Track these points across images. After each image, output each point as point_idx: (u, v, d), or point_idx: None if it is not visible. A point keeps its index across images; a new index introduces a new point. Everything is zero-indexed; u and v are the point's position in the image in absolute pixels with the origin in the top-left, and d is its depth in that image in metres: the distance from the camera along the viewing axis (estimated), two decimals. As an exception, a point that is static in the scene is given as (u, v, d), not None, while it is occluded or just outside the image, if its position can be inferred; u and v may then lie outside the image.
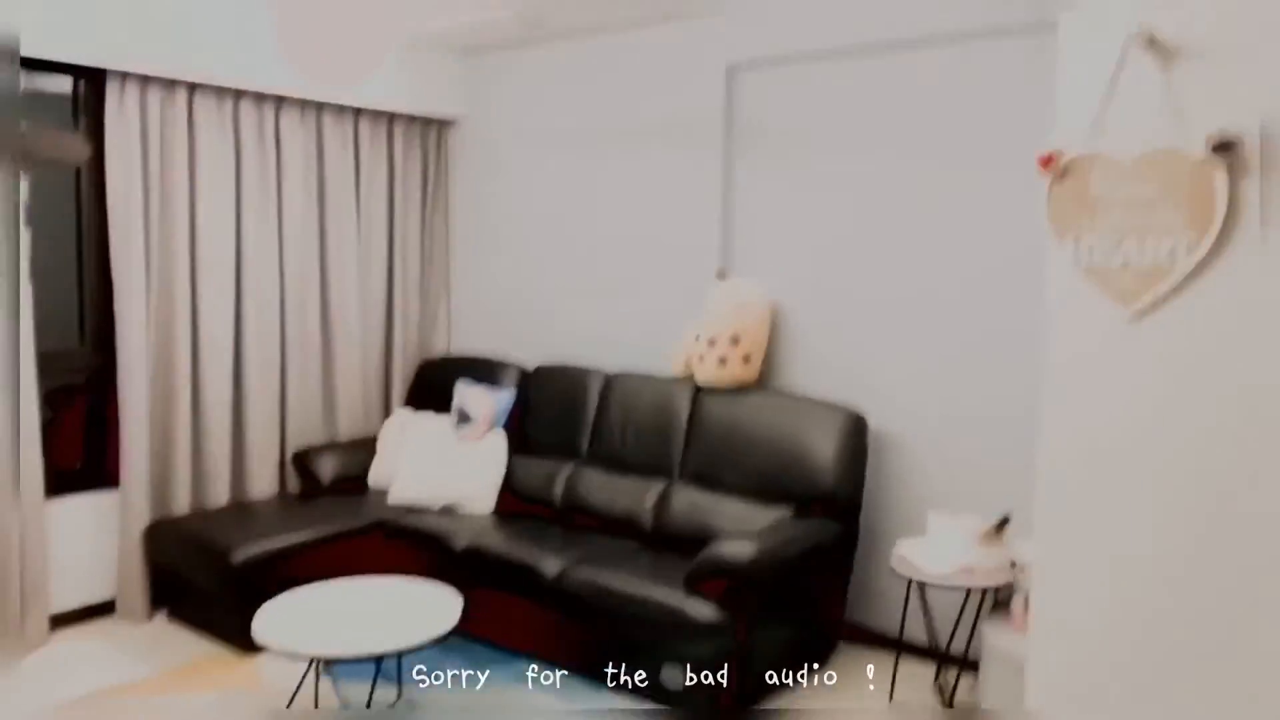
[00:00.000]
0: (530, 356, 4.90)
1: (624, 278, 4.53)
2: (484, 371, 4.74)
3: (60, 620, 3.99)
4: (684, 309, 4.31)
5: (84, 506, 4.07)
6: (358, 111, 4.77)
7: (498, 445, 4.41)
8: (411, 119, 5.02)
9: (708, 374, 3.95)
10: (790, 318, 4.04)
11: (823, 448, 3.63)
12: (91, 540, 4.09)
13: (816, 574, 3.53)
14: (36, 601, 3.80)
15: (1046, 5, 3.19)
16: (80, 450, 4.18)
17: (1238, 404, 1.88)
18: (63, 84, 3.96)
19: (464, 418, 4.47)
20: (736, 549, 3.19)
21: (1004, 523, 3.18)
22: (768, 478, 3.73)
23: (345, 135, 4.73)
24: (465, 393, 4.54)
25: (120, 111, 3.93)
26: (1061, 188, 2.06)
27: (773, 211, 4.06)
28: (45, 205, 3.96)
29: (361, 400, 4.89)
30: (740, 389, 3.94)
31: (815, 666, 3.68)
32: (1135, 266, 1.96)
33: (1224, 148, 1.82)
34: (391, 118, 4.93)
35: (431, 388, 4.88)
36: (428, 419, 4.59)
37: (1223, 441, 1.90)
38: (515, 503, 4.38)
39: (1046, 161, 2.07)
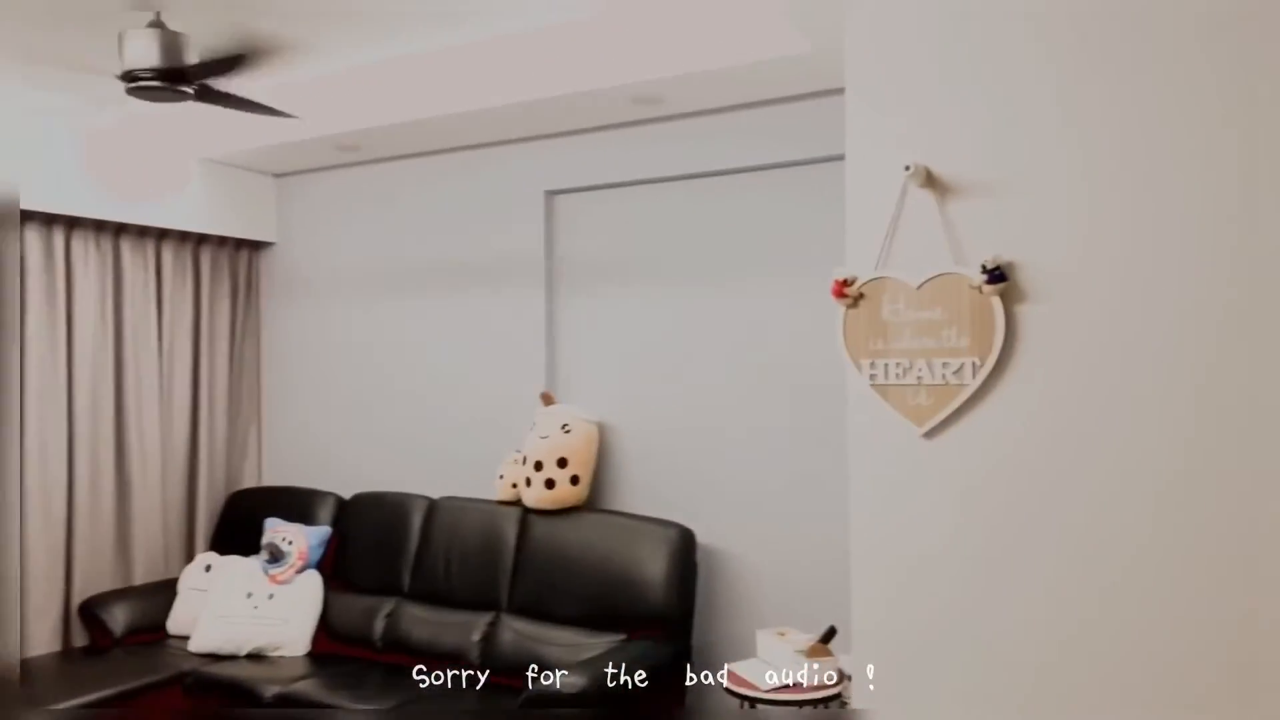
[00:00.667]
0: (348, 486, 4.65)
1: (445, 403, 4.42)
2: (298, 504, 4.45)
3: None
4: (508, 433, 4.23)
5: None
6: (161, 234, 4.53)
7: (312, 584, 4.11)
8: (221, 241, 4.80)
9: (535, 497, 3.86)
10: (617, 438, 4.03)
11: (652, 566, 3.58)
12: None
13: (651, 698, 3.42)
14: None
15: (838, 141, 3.43)
16: None
17: (1027, 514, 1.97)
18: None
19: (275, 556, 4.17)
20: (568, 680, 3.05)
21: (829, 635, 3.20)
22: (598, 602, 3.63)
23: (146, 258, 4.47)
24: (277, 529, 4.25)
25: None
26: (855, 312, 2.16)
27: (595, 333, 4.09)
28: None
29: (161, 540, 4.48)
30: (569, 510, 3.86)
31: (653, 797, 3.53)
32: (927, 385, 2.06)
33: (997, 275, 1.96)
34: (199, 240, 4.71)
35: (240, 525, 4.54)
36: (234, 560, 4.24)
37: (1020, 550, 1.98)
38: (332, 645, 4.07)
39: (839, 289, 2.16)
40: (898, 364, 2.10)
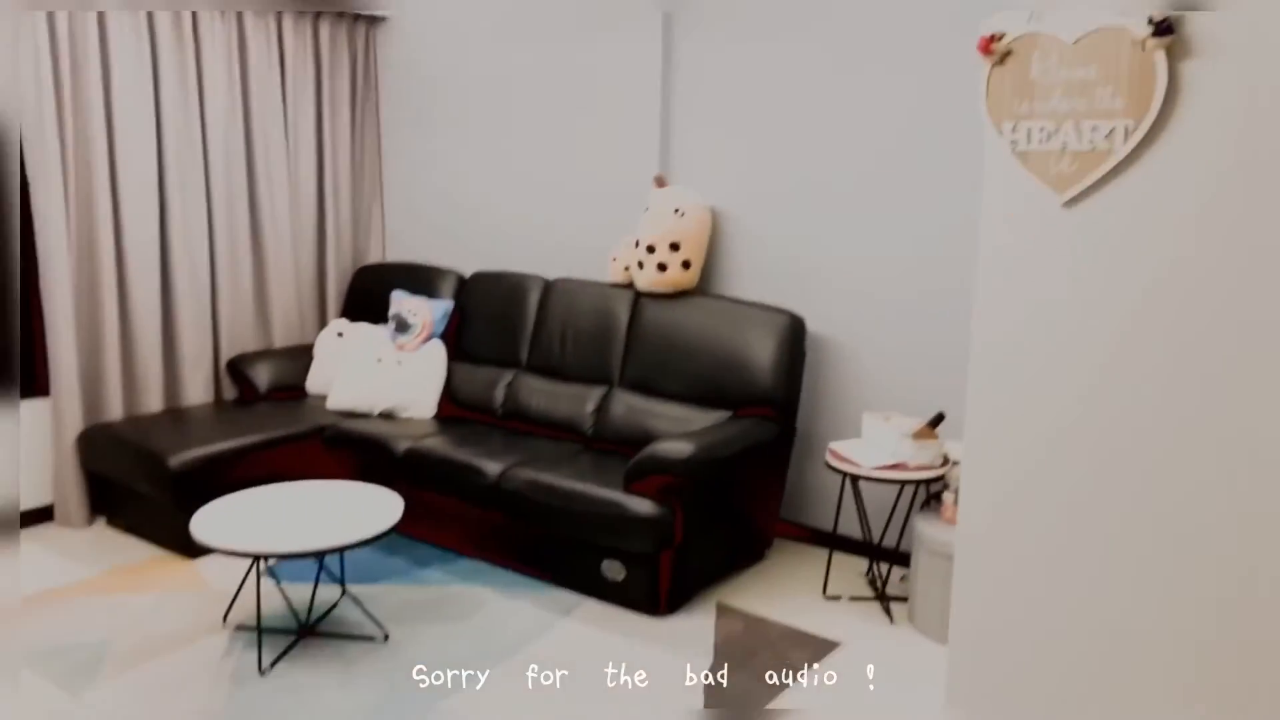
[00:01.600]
0: (467, 263, 4.77)
1: (563, 183, 4.40)
2: (420, 279, 4.60)
3: (-10, 530, 3.85)
4: (623, 215, 4.21)
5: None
6: (279, 11, 4.49)
7: (436, 353, 4.31)
8: (338, 16, 4.75)
9: (647, 280, 3.88)
10: (730, 223, 3.97)
11: (761, 351, 3.61)
12: (26, 448, 3.93)
13: (753, 472, 3.54)
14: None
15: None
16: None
17: (1169, 290, 1.87)
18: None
19: (402, 326, 4.35)
20: (675, 447, 3.17)
21: (938, 420, 3.21)
22: (706, 382, 3.71)
23: (268, 35, 4.46)
24: (402, 301, 4.41)
25: (31, 25, 3.63)
26: (1001, 72, 2.00)
27: (711, 116, 3.95)
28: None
29: (296, 308, 4.73)
30: (680, 295, 3.88)
31: (750, 562, 3.72)
32: (1073, 151, 1.92)
33: (1165, 28, 1.77)
34: (316, 16, 4.66)
35: (367, 296, 4.74)
36: (364, 328, 4.46)
37: (1154, 328, 1.90)
38: (456, 410, 4.31)
39: (986, 44, 2.00)
40: (1042, 128, 1.96)
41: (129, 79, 3.96)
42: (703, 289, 4.03)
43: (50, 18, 3.71)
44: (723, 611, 3.31)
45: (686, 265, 3.85)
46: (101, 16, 3.87)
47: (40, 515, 4.01)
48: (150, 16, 4.02)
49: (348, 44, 4.80)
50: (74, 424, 3.92)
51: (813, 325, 3.81)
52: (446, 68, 4.70)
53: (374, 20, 4.90)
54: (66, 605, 3.27)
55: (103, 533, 3.96)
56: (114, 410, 4.05)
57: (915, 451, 3.16)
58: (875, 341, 3.68)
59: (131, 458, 3.72)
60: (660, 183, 4.01)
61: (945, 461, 3.22)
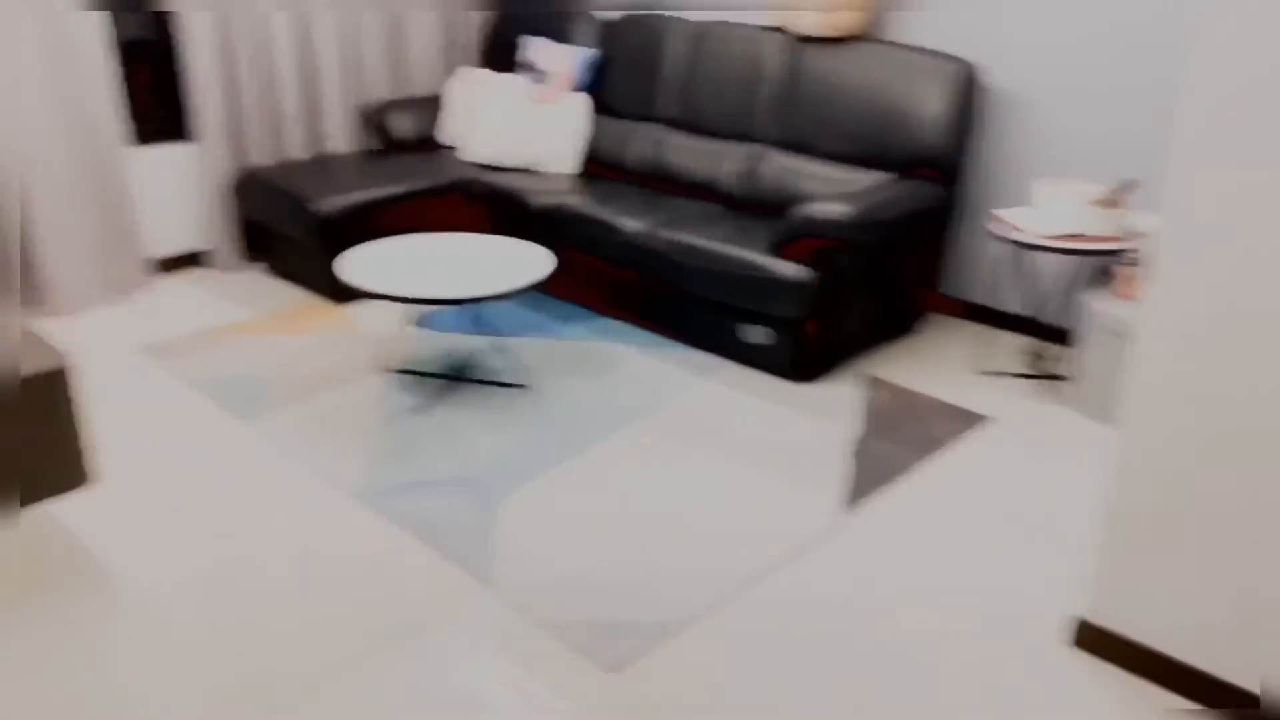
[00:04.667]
0: (611, 3, 4.55)
1: (716, -89, 4.06)
2: (561, 25, 4.44)
3: (163, 266, 4.17)
4: (783, -53, 3.89)
5: (165, 158, 4.08)
6: None
7: (577, 106, 4.22)
8: None
9: (811, 22, 3.63)
10: (905, -44, 3.62)
11: (928, 105, 3.38)
12: (177, 191, 4.15)
13: (911, 240, 3.42)
14: (133, 244, 3.92)
15: None
16: (154, 103, 4.13)
17: None
18: None
19: (539, 76, 4.26)
20: (830, 209, 3.07)
21: (1128, 187, 2.98)
22: (867, 139, 3.52)
23: None
24: (539, 49, 4.29)
25: None
26: None
27: None
28: None
29: (433, 57, 4.67)
30: (844, 40, 3.62)
31: (900, 334, 3.68)
32: None
33: None
34: None
35: (505, 45, 4.62)
36: (501, 77, 4.38)
37: None
38: (593, 166, 4.27)
39: None
40: None
41: None
42: (871, 34, 3.75)
43: None
44: (869, 382, 3.32)
45: (857, 5, 3.57)
46: None
47: (195, 260, 4.29)
48: None
49: None
50: (221, 169, 4.09)
51: (991, 77, 3.52)
52: None
53: None
54: (229, 343, 3.55)
55: (257, 277, 4.22)
56: (260, 157, 4.19)
57: (1096, 221, 2.97)
58: (1061, 101, 3.38)
59: (281, 204, 3.87)
60: (828, -92, 3.65)
61: (1129, 234, 3.03)
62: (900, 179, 3.45)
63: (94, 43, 3.62)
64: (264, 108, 4.19)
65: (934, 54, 3.42)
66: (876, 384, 3.29)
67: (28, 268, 3.71)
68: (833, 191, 3.55)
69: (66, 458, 1.99)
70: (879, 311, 3.48)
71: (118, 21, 3.86)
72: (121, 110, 3.76)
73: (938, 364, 3.45)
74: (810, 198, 3.60)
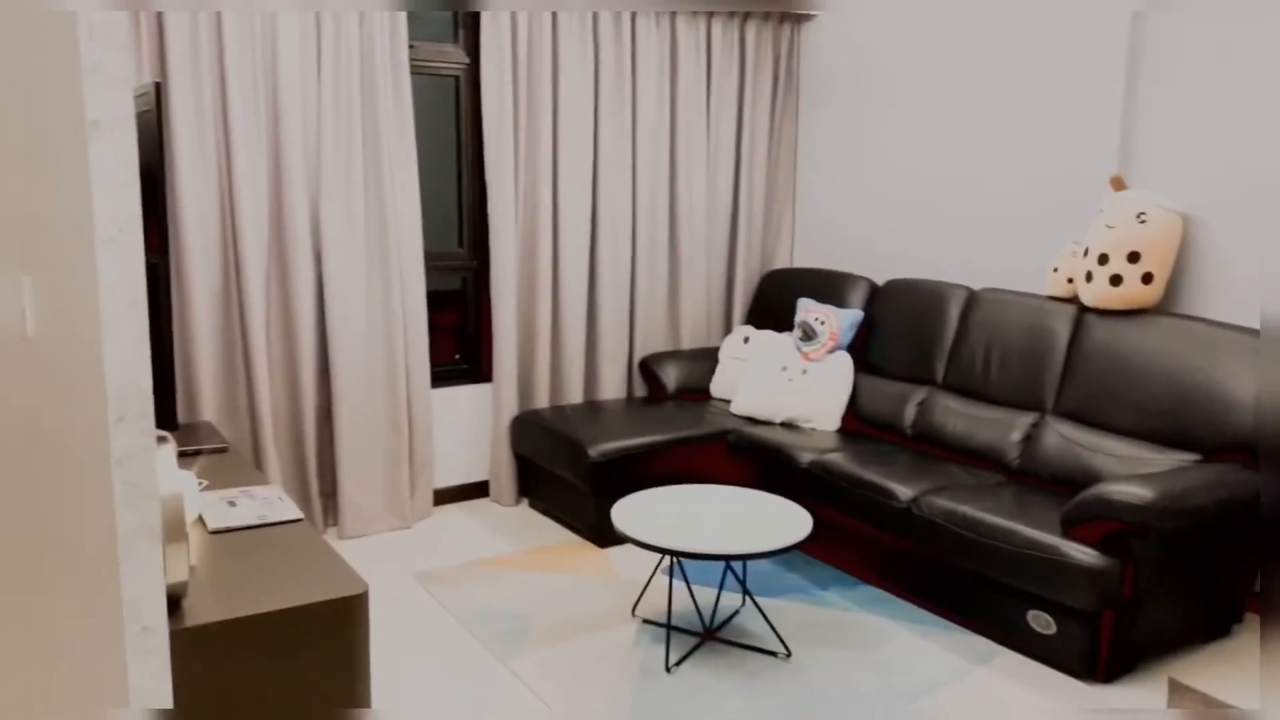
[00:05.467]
0: (879, 271, 4.68)
1: (989, 185, 4.16)
2: (830, 287, 4.60)
3: (442, 496, 4.51)
4: (1063, 221, 3.88)
5: (462, 397, 4.50)
6: (710, 12, 4.73)
7: (843, 364, 4.28)
8: (765, 18, 4.89)
9: (1097, 295, 3.54)
10: (1205, 232, 3.50)
11: (1240, 384, 3.13)
12: (468, 428, 4.53)
13: (1225, 530, 3.08)
14: (424, 477, 4.29)
15: None
16: (456, 346, 4.62)
17: None
18: (447, -3, 4.28)
19: (808, 334, 4.38)
20: (1129, 490, 2.84)
21: None
22: (1165, 417, 3.29)
23: (698, 37, 4.71)
24: (809, 308, 4.44)
25: (494, 23, 4.16)
26: None
27: (1191, 105, 3.50)
28: (429, 119, 4.33)
29: (705, 311, 4.95)
30: (1136, 312, 3.49)
31: (1213, 636, 3.25)
32: None
33: None
34: (744, 18, 4.84)
35: (774, 303, 4.83)
36: (769, 335, 4.55)
37: None
38: (860, 425, 4.25)
39: None
40: None
41: (573, 87, 4.39)
42: (1165, 308, 3.59)
43: (514, 28, 4.22)
44: (1175, 689, 2.92)
45: (1148, 279, 3.46)
46: (555, 26, 4.32)
47: (478, 490, 4.60)
48: (595, 25, 4.42)
49: (772, 44, 4.93)
50: (509, 409, 4.44)
51: (1315, 358, 3.23)
52: (868, 66, 4.65)
53: (800, 19, 4.99)
54: (495, 576, 3.71)
55: (526, 512, 4.44)
56: (541, 399, 4.53)
57: None
58: None
59: (556, 445, 4.12)
60: (1118, 184, 3.64)
61: None
62: (1205, 461, 3.17)
63: (417, 293, 4.14)
64: (552, 354, 4.57)
65: (1247, 330, 3.21)
66: (1183, 692, 2.89)
67: (329, 491, 4.13)
68: (1124, 470, 3.30)
69: (351, 684, 2.10)
70: (1188, 608, 3.10)
71: (431, 275, 4.40)
72: (428, 354, 4.23)
73: (1259, 673, 2.99)
74: (1098, 474, 3.37)
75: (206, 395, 3.78)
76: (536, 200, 4.39)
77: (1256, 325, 3.35)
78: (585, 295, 4.56)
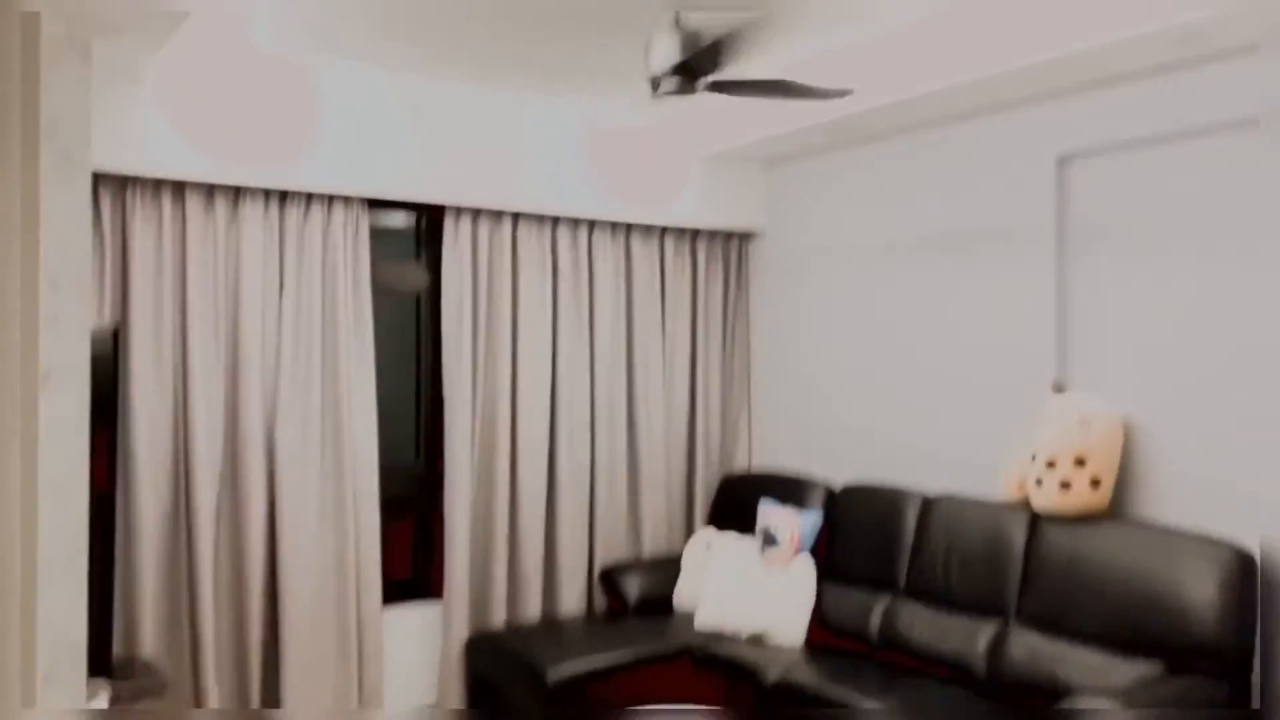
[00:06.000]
0: (838, 474, 4.74)
1: (942, 390, 4.30)
2: (789, 490, 4.64)
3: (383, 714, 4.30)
4: (1013, 425, 4.00)
5: (413, 615, 4.38)
6: (663, 230, 4.98)
7: (805, 571, 4.25)
8: (714, 234, 5.16)
9: (1047, 500, 3.60)
10: (1147, 435, 3.61)
11: (1199, 591, 3.15)
12: (419, 648, 4.38)
13: (1199, 745, 3.02)
14: (373, 701, 4.10)
15: None
16: (410, 560, 4.54)
17: None
18: (407, 219, 4.48)
19: (769, 540, 4.38)
20: (1101, 712, 2.80)
21: None
22: (1127, 625, 3.28)
23: (651, 253, 4.94)
24: (770, 513, 4.46)
25: (455, 240, 4.35)
26: None
27: (1120, 313, 3.69)
28: (388, 332, 4.44)
29: (665, 517, 4.94)
30: (1088, 518, 3.55)
31: None
32: None
33: None
34: (695, 234, 5.10)
35: (734, 506, 4.85)
36: (732, 540, 4.53)
37: None
38: (826, 635, 4.18)
39: None
40: None
41: (532, 300, 4.54)
42: (1116, 512, 3.65)
43: (474, 244, 4.39)
44: None
45: (1095, 484, 3.53)
46: (515, 243, 4.50)
47: (420, 708, 4.40)
48: (553, 241, 4.62)
49: (721, 253, 5.18)
50: (461, 629, 4.32)
51: (1269, 559, 3.28)
52: (816, 276, 4.89)
53: (748, 236, 5.26)
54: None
55: (481, 737, 4.24)
56: (497, 617, 4.41)
57: None
58: (1360, 587, 3.07)
59: (512, 669, 3.99)
60: (1059, 388, 3.78)
61: None
62: (1169, 671, 3.14)
63: (371, 513, 4.10)
64: (509, 570, 4.49)
65: (1199, 537, 3.26)
66: None
67: (270, 702, 3.92)
68: (1093, 681, 3.25)
69: None
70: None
71: (384, 485, 4.37)
72: (380, 575, 4.13)
73: None
74: (1067, 685, 3.32)
75: (147, 625, 3.65)
76: (495, 409, 4.44)
77: (1204, 529, 3.41)
78: (543, 504, 4.55)
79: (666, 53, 3.12)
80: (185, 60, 3.66)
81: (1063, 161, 3.85)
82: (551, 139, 4.52)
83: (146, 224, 3.68)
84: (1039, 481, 3.63)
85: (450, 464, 4.33)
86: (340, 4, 3.31)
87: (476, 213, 4.40)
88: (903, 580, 4.06)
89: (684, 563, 4.65)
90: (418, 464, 4.51)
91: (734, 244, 5.24)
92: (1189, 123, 3.42)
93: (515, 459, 4.51)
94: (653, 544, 4.89)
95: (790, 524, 4.38)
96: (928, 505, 4.07)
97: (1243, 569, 3.14)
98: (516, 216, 4.52)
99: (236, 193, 3.86)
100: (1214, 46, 3.22)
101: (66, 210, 1.94)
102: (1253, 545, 3.30)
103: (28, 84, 1.89)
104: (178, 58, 3.64)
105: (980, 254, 4.14)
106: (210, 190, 3.81)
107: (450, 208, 4.33)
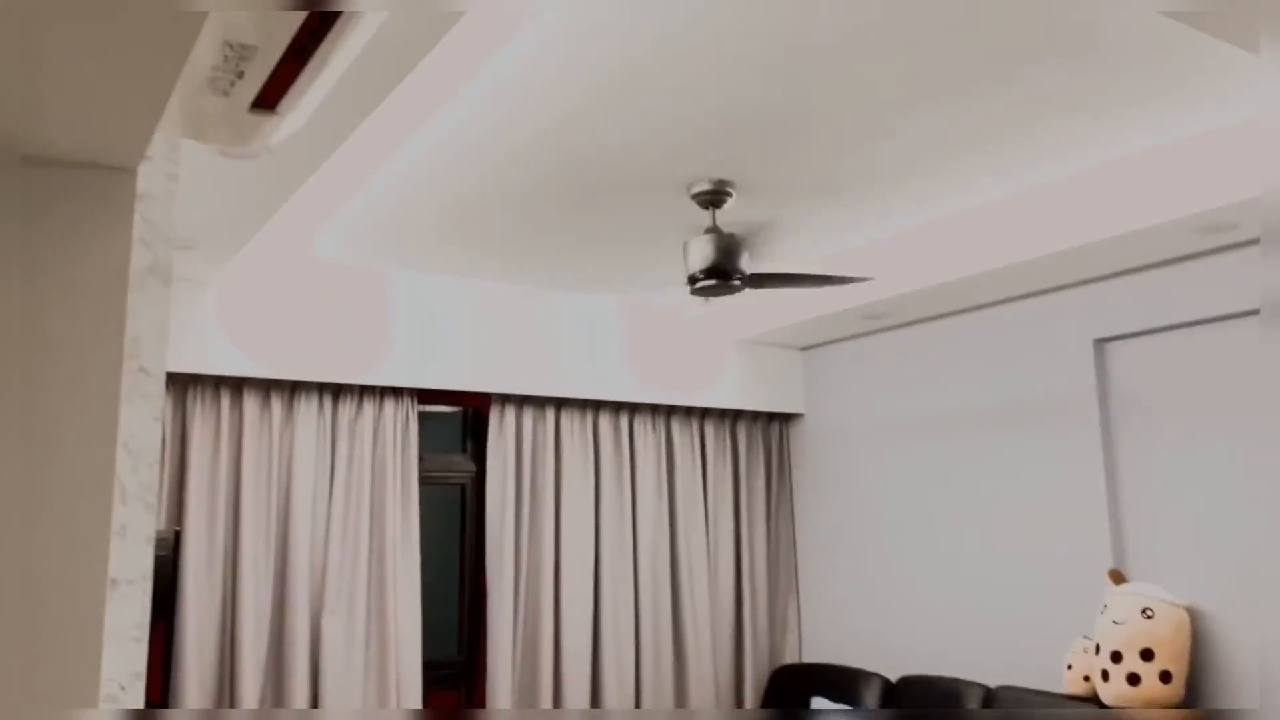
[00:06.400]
0: (892, 665, 4.59)
1: (996, 577, 4.20)
2: (843, 682, 4.48)
3: None
4: (1073, 613, 3.88)
5: (451, 821, 4.20)
6: (703, 412, 5.05)
7: (866, 771, 4.06)
8: (755, 416, 5.22)
9: (1116, 693, 3.45)
10: (1216, 624, 3.49)
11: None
12: None
13: None
14: None
15: None
16: (449, 760, 4.39)
17: None
18: (454, 410, 4.60)
19: (825, 736, 4.20)
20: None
21: None
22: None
23: (692, 435, 5.00)
24: (824, 709, 4.29)
25: (500, 427, 4.44)
26: None
27: (1172, 500, 3.64)
28: (434, 524, 4.48)
29: (714, 712, 4.77)
30: (1164, 709, 3.38)
31: None
32: None
33: None
34: (735, 416, 5.16)
35: (785, 699, 4.68)
36: (785, 736, 4.36)
37: None
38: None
39: None
40: None
41: (575, 485, 4.58)
42: (1191, 703, 3.48)
43: (518, 432, 4.47)
44: None
45: (1166, 678, 3.39)
46: (558, 429, 4.59)
47: None
48: (595, 426, 4.70)
49: (762, 438, 5.22)
50: (505, 834, 4.13)
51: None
52: (860, 459, 4.89)
53: (789, 418, 5.32)
54: None
55: None
56: (541, 821, 4.23)
57: None
58: None
59: None
60: (1117, 578, 3.68)
61: None
62: None
63: (414, 703, 4.01)
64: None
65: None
66: None
67: None
68: None
69: None
70: None
71: (427, 680, 4.27)
72: (423, 774, 4.00)
73: None
74: None
75: (181, 833, 3.54)
76: (538, 603, 4.40)
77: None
78: (587, 701, 4.43)
79: (703, 254, 3.27)
80: (250, 268, 3.89)
81: (1100, 343, 3.90)
82: (594, 328, 4.68)
83: (205, 422, 3.82)
84: (1105, 675, 3.49)
85: (492, 658, 4.26)
86: (398, 218, 3.54)
87: (522, 400, 4.51)
88: (968, 782, 3.85)
89: (735, 762, 4.45)
90: (459, 659, 4.44)
91: (775, 427, 5.29)
92: (1221, 309, 3.48)
93: (559, 655, 4.43)
94: (700, 743, 4.71)
95: (845, 720, 4.21)
96: (989, 697, 3.91)
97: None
98: (560, 403, 4.62)
99: (292, 388, 4.01)
100: (1240, 235, 3.32)
101: (139, 423, 2.04)
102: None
103: (114, 303, 2.03)
104: (244, 265, 3.88)
105: (1025, 437, 4.14)
106: (267, 387, 3.96)
107: (496, 396, 4.45)
